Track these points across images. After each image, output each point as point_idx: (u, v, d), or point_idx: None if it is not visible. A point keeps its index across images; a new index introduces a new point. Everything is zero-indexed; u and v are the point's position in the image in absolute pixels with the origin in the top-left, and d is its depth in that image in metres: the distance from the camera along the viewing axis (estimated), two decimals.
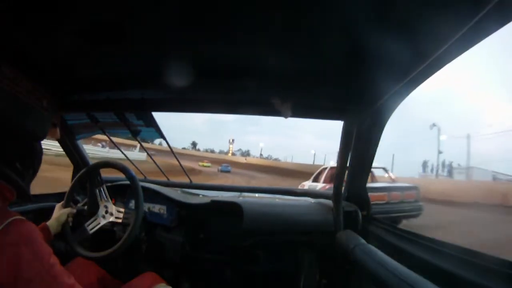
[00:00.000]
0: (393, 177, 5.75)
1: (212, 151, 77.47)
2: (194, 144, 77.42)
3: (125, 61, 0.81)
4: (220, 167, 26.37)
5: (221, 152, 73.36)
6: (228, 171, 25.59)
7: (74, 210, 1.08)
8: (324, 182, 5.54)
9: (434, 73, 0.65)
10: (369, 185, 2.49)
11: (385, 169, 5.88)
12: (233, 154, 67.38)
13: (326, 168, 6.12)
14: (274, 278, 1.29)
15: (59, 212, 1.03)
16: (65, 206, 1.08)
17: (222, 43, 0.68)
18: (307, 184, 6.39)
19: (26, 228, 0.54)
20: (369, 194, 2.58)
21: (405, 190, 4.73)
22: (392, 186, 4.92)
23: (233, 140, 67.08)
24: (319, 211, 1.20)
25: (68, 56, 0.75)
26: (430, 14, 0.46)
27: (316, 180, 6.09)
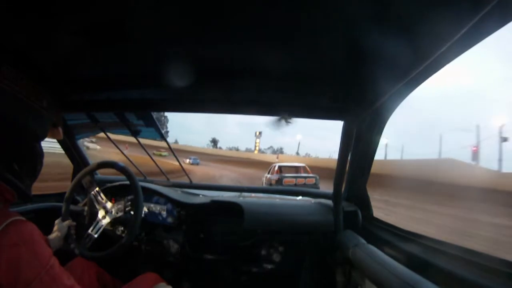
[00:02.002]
0: (308, 169, 10.02)
1: (237, 149, 65.00)
2: (214, 142, 64.77)
3: (125, 61, 0.81)
4: (190, 160, 25.48)
5: (247, 150, 58.82)
6: (197, 164, 24.70)
7: (74, 223, 1.07)
8: (271, 174, 9.68)
9: (434, 73, 0.65)
10: (285, 174, 8.34)
11: (305, 166, 10.35)
12: (260, 151, 50.55)
13: (273, 165, 10.46)
14: (274, 278, 1.29)
15: (59, 226, 1.01)
16: (63, 219, 1.06)
17: (222, 43, 0.68)
18: (265, 175, 10.53)
19: (26, 229, 0.54)
20: (285, 180, 6.51)
21: (308, 178, 8.52)
22: (298, 175, 8.91)
23: (260, 133, 47.95)
24: (319, 211, 1.20)
25: (68, 56, 0.75)
26: (430, 14, 0.46)
27: (268, 172, 10.23)
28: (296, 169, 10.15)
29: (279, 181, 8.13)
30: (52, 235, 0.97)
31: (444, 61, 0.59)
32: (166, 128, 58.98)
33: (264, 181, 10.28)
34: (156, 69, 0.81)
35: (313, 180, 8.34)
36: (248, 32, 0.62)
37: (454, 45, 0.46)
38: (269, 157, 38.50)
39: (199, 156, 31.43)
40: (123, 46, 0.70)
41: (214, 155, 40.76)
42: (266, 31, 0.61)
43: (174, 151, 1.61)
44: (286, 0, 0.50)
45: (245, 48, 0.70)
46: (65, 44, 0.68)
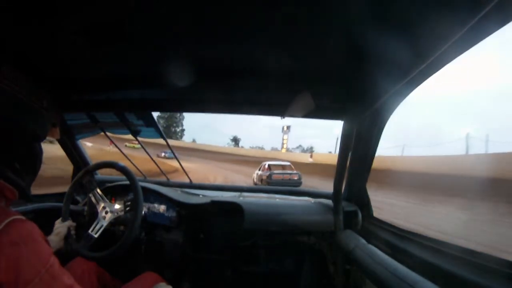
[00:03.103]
0: (292, 167, 11.78)
1: (261, 148, 55.99)
2: (235, 141, 56.94)
3: (125, 61, 0.81)
4: (165, 154, 20.39)
5: (273, 149, 49.28)
6: (171, 157, 21.84)
7: (74, 224, 1.07)
8: (261, 171, 11.13)
9: (434, 73, 0.65)
10: (274, 171, 10.57)
11: (290, 165, 12.11)
12: (287, 150, 40.63)
13: (263, 163, 11.84)
14: (274, 278, 1.30)
15: (59, 227, 1.01)
16: (63, 219, 1.06)
17: (222, 43, 0.68)
18: (255, 172, 11.88)
19: (26, 228, 0.54)
20: (274, 175, 10.00)
21: (292, 174, 10.32)
22: (285, 172, 10.70)
23: (288, 128, 38.55)
24: (319, 211, 1.20)
25: (68, 56, 0.75)
26: (430, 14, 0.46)
27: (259, 170, 11.60)
28: (283, 167, 11.83)
29: (269, 176, 9.97)
30: (52, 236, 0.97)
31: (444, 61, 0.59)
32: (182, 126, 56.10)
33: (255, 177, 11.76)
34: (156, 69, 0.81)
35: (297, 176, 10.27)
36: (248, 32, 0.62)
37: (454, 45, 0.46)
38: (299, 156, 29.35)
39: (215, 156, 28.18)
40: (123, 46, 0.70)
41: (232, 155, 33.66)
42: (266, 31, 0.61)
43: (174, 149, 1.61)
44: (286, 0, 0.50)
45: (245, 48, 0.70)
46: (65, 44, 0.68)
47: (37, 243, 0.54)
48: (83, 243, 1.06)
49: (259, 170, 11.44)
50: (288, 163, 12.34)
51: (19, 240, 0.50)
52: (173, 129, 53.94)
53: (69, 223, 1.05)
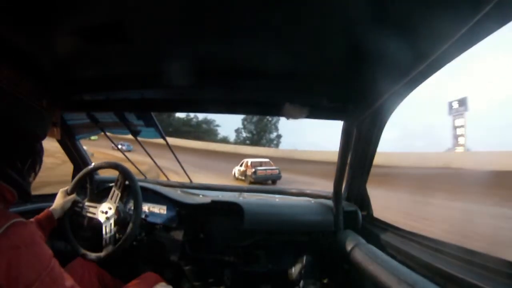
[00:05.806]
0: (272, 163, 13.05)
1: None
2: None
3: (125, 61, 0.81)
4: (123, 147, 14.24)
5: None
6: (129, 151, 13.95)
7: (78, 198, 1.08)
8: (244, 167, 12.38)
9: (434, 73, 0.65)
10: (258, 168, 12.20)
11: (270, 161, 13.38)
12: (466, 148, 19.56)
13: (245, 160, 12.87)
14: (274, 278, 1.29)
15: (64, 200, 1.02)
16: (70, 192, 1.06)
17: (222, 43, 0.68)
18: (236, 167, 13.13)
19: (27, 231, 0.54)
20: (258, 171, 11.89)
21: (273, 170, 12.08)
22: (267, 168, 12.21)
23: (462, 102, 21.00)
24: (319, 211, 1.20)
25: (68, 56, 0.75)
26: (430, 14, 0.46)
27: (240, 166, 12.84)
28: (261, 163, 12.89)
29: (254, 172, 11.51)
30: (55, 207, 0.98)
31: (444, 61, 0.59)
32: (277, 131, 45.60)
33: (236, 172, 12.92)
34: (156, 69, 0.81)
35: (277, 171, 12.00)
36: (248, 32, 0.62)
37: (454, 45, 0.46)
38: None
39: (315, 167, 16.15)
40: (123, 46, 0.70)
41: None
42: (266, 31, 0.61)
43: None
44: (286, 0, 0.50)
45: (245, 48, 0.70)
46: (65, 44, 0.68)
47: (38, 246, 0.54)
48: (109, 247, 1.04)
49: (241, 166, 12.87)
50: (267, 160, 13.66)
51: (20, 243, 0.50)
52: (266, 136, 44.94)
53: (73, 196, 1.05)
